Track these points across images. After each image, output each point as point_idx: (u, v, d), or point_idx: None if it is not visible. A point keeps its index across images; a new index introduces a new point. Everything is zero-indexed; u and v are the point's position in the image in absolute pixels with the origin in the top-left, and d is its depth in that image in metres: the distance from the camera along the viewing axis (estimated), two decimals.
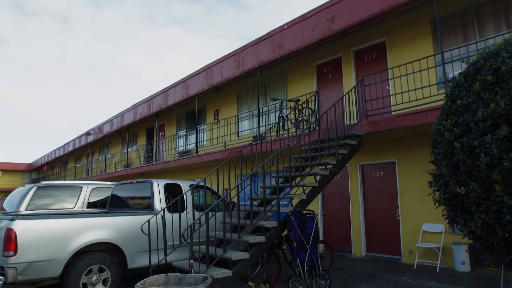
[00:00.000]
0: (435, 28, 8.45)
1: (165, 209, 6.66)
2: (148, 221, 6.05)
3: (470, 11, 7.97)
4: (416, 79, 8.20)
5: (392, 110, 8.47)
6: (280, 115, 10.39)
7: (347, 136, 7.68)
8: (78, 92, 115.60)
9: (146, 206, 7.18)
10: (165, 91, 15.61)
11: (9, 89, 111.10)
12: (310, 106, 9.00)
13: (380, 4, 7.97)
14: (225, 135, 12.36)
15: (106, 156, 21.97)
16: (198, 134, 13.93)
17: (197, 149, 13.49)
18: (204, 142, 14.85)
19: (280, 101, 10.29)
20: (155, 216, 6.53)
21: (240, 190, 6.19)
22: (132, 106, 18.41)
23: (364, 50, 9.85)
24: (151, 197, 7.02)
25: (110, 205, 8.13)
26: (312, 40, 9.33)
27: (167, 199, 7.13)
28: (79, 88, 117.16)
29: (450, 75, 8.25)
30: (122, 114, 19.50)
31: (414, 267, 7.74)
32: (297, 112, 9.69)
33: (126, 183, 7.90)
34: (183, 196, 7.10)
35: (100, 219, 6.19)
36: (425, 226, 8.10)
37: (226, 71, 12.21)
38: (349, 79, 10.04)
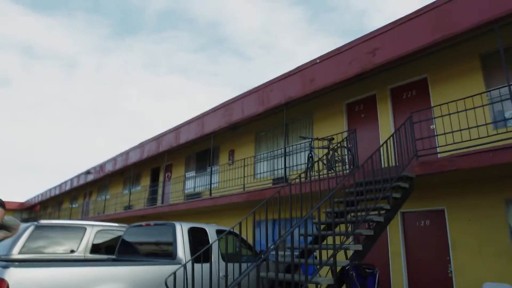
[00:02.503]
0: (485, 64, 7.82)
1: (192, 260, 5.53)
2: (174, 273, 4.92)
3: None
4: (465, 118, 7.45)
5: (441, 151, 7.60)
6: (310, 155, 9.50)
7: (399, 178, 6.73)
8: (77, 134, 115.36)
9: (166, 253, 6.04)
10: (177, 129, 14.80)
11: (9, 127, 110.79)
12: (347, 145, 8.14)
13: (430, 35, 7.37)
14: (244, 177, 11.38)
15: (106, 197, 20.71)
16: (210, 176, 12.92)
17: (210, 191, 12.42)
18: (216, 184, 13.80)
19: (311, 140, 9.44)
20: (181, 267, 5.38)
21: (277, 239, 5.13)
22: (139, 144, 17.53)
23: (402, 87, 9.17)
24: (173, 243, 5.90)
25: (120, 251, 6.97)
26: (349, 75, 8.66)
27: (192, 246, 6.01)
28: (79, 130, 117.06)
29: (508, 113, 7.51)
30: (127, 153, 18.55)
31: None
32: (330, 152, 8.81)
33: (141, 226, 6.79)
34: (211, 243, 6.00)
35: (113, 268, 5.04)
36: (488, 286, 6.92)
37: (248, 108, 11.47)
38: (385, 118, 9.26)
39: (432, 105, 8.42)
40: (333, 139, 8.90)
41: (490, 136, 6.49)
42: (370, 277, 5.08)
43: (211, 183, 12.55)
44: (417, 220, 8.34)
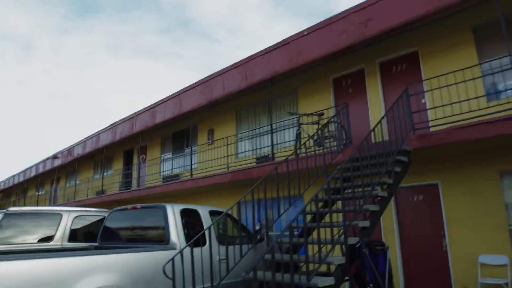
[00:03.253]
0: (478, 36, 7.66)
1: (189, 244, 5.08)
2: (173, 260, 4.46)
3: None
4: (457, 91, 7.30)
5: (435, 124, 7.44)
6: (298, 131, 9.16)
7: (398, 152, 6.51)
8: (38, 119, 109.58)
9: (157, 238, 5.57)
10: (152, 108, 14.01)
11: None
12: (340, 120, 7.84)
13: (425, 5, 7.08)
14: (227, 156, 10.91)
15: (76, 182, 19.65)
16: (190, 156, 12.37)
17: (191, 172, 11.89)
18: (196, 165, 13.25)
19: (299, 115, 9.09)
20: (176, 253, 4.93)
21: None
22: (111, 125, 16.58)
23: (391, 61, 8.92)
24: (165, 227, 5.42)
25: (103, 238, 6.41)
26: (339, 47, 8.29)
27: (185, 229, 5.55)
28: (40, 115, 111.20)
29: (501, 86, 7.42)
30: (98, 135, 17.54)
31: None
32: (321, 127, 8.51)
33: (126, 209, 6.24)
34: (209, 225, 5.57)
35: (102, 257, 4.52)
36: (483, 258, 6.93)
37: (230, 84, 10.91)
38: (374, 93, 9.02)
39: (423, 78, 8.23)
40: (323, 114, 8.58)
41: (489, 107, 6.36)
42: (380, 254, 4.85)
43: (191, 164, 12.01)
44: (410, 195, 8.23)
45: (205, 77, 11.79)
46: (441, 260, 7.53)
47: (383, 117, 6.13)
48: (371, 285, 4.46)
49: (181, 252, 4.72)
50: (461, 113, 6.50)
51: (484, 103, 7.25)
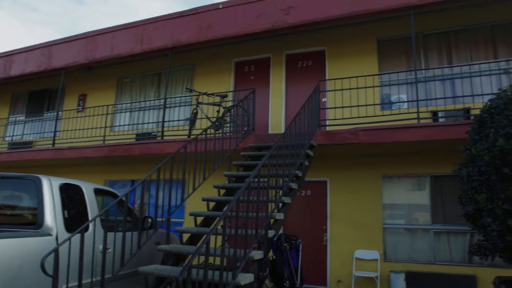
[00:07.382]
0: (380, 48, 8.24)
1: (80, 230, 3.93)
2: (56, 250, 3.33)
3: (417, 38, 8.00)
4: (356, 96, 7.72)
5: (331, 124, 7.70)
6: (195, 110, 8.47)
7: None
8: None
9: (22, 220, 4.22)
10: (8, 55, 11.20)
11: None
12: (247, 106, 7.44)
13: (350, 6, 7.23)
14: (105, 127, 9.39)
15: None
16: (55, 122, 10.33)
17: (53, 141, 9.92)
18: (57, 133, 11.14)
19: (199, 94, 8.39)
20: (62, 242, 3.76)
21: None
22: None
23: (298, 55, 8.95)
24: (38, 206, 4.12)
25: None
26: (255, 29, 7.89)
27: (65, 210, 4.33)
28: None
29: (394, 97, 8.11)
30: None
31: None
32: (223, 109, 8.02)
33: None
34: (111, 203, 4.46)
35: None
36: (359, 253, 7.47)
37: (120, 45, 9.40)
38: (278, 84, 8.92)
39: (327, 77, 8.46)
40: (226, 96, 8.09)
41: (394, 114, 6.84)
42: (293, 249, 4.61)
43: (55, 131, 10.03)
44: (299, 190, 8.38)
45: (90, 31, 9.91)
46: (320, 253, 7.86)
47: (301, 109, 5.94)
48: (287, 281, 4.17)
49: (69, 239, 3.58)
50: (358, 117, 6.85)
51: (378, 111, 7.82)
